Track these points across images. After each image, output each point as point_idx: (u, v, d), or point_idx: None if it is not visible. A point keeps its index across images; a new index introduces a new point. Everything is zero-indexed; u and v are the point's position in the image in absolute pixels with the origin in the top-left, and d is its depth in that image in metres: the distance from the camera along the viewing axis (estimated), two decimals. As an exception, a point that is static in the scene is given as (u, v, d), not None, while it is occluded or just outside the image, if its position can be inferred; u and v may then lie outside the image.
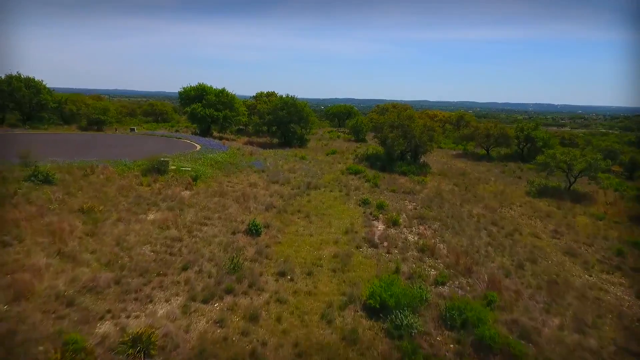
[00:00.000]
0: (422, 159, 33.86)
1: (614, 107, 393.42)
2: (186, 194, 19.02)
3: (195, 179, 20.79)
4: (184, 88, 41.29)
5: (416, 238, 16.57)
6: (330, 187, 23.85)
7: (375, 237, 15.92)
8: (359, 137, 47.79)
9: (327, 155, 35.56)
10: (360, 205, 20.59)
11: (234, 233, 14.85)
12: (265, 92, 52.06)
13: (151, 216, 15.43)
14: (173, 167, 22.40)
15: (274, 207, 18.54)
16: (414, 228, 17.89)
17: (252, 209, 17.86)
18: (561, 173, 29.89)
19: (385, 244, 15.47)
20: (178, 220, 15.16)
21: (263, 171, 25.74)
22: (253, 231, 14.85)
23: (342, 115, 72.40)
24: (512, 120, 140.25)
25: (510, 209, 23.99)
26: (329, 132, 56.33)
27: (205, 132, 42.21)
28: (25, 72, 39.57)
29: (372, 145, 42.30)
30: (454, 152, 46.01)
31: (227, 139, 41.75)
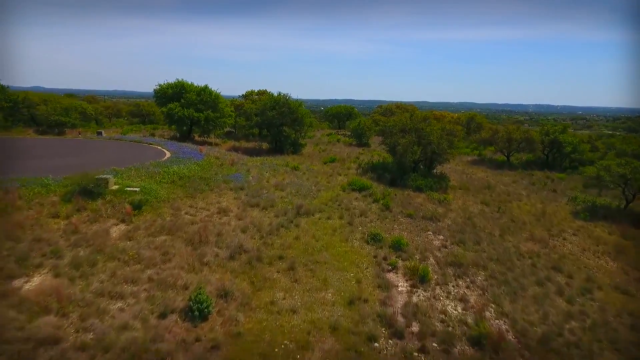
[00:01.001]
0: (438, 168, 27.79)
1: (614, 108, 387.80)
2: (119, 230, 12.92)
3: (138, 205, 14.67)
4: (159, 85, 35.15)
5: (460, 309, 10.46)
6: (328, 211, 17.75)
7: (398, 313, 9.81)
8: (362, 141, 41.67)
9: (324, 164, 29.43)
10: (368, 243, 14.47)
11: (162, 316, 8.72)
12: (256, 91, 45.85)
13: (36, 280, 9.33)
14: (116, 187, 16.28)
15: (244, 252, 12.41)
16: (451, 286, 11.77)
17: (208, 257, 11.72)
18: (613, 187, 23.78)
19: (415, 327, 9.35)
20: (73, 291, 9.04)
21: (242, 189, 19.64)
22: (196, 312, 8.73)
23: (342, 116, 66.26)
24: (514, 122, 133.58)
25: (564, 239, 17.92)
26: (327, 135, 50.23)
27: (185, 136, 36.08)
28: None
29: (377, 151, 36.17)
30: (469, 159, 39.86)
31: (211, 144, 35.66)
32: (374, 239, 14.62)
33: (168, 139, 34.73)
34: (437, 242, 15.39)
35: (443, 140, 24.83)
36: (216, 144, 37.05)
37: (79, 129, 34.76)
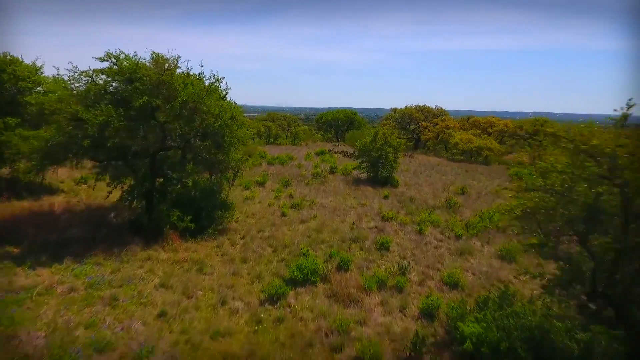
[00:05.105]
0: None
1: (612, 115, 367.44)
2: None
3: None
4: None
5: None
6: None
7: None
8: (380, 175, 19.44)
9: (272, 304, 7.35)
10: None
11: None
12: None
13: None
14: None
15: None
16: None
17: None
18: None
19: None
20: None
21: None
22: None
23: (340, 124, 44.34)
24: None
25: None
26: (318, 155, 27.86)
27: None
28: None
29: (425, 212, 13.93)
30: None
31: (37, 193, 13.48)
32: None
33: None
34: None
35: None
36: (62, 192, 14.97)
37: None
